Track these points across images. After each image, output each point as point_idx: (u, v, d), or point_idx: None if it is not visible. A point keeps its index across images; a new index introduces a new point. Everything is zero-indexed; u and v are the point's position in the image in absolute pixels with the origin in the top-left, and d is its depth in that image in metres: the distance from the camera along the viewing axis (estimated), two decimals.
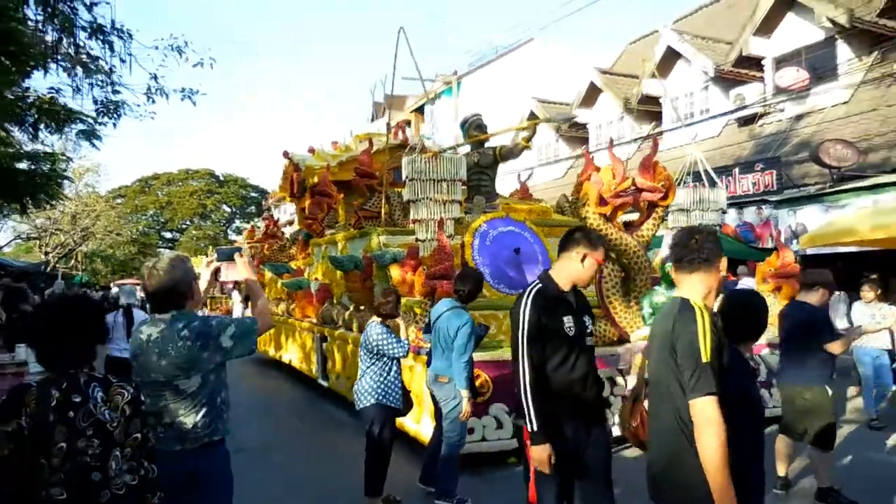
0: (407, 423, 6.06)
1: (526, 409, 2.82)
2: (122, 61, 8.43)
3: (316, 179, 11.08)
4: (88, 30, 8.12)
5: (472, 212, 6.78)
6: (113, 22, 8.22)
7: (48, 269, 23.54)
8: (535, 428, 2.81)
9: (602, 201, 6.11)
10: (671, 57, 18.88)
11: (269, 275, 13.14)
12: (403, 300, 6.91)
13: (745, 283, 8.75)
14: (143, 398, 2.25)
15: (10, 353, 6.13)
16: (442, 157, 6.50)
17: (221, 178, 55.55)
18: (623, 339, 6.53)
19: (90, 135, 9.82)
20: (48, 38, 8.33)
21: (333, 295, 8.96)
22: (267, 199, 54.15)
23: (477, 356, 5.85)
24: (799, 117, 15.45)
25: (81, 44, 8.11)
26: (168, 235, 56.51)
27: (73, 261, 29.18)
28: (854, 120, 13.90)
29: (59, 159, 9.04)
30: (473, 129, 6.92)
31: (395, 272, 7.13)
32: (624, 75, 21.57)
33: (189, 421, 2.65)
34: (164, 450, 2.62)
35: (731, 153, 16.39)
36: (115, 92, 9.42)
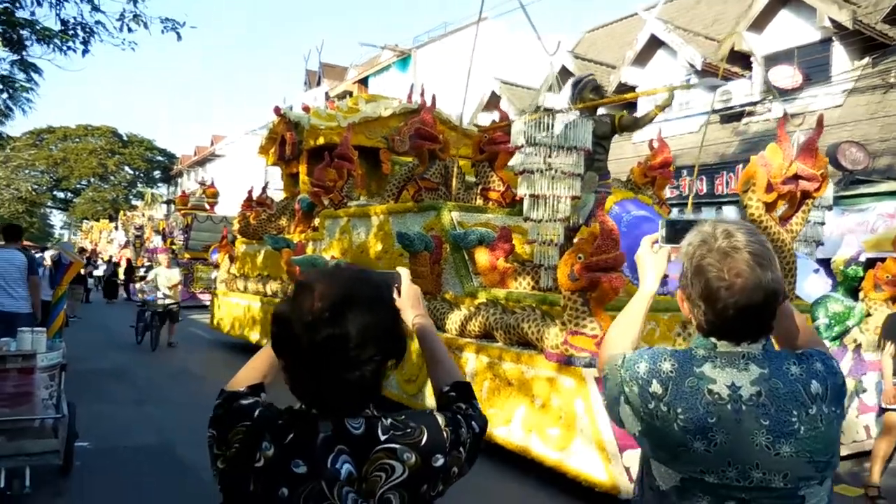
0: (545, 451, 4.86)
1: None
2: None
3: (321, 141, 9.53)
4: None
5: (583, 189, 5.64)
6: None
7: None
8: None
9: (769, 187, 5.13)
10: (651, 46, 18.42)
11: (242, 248, 11.41)
12: (495, 290, 5.68)
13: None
14: (445, 467, 1.20)
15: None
16: (565, 121, 5.29)
17: (125, 138, 50.95)
18: None
19: (29, 66, 7.90)
20: None
21: None
22: (177, 164, 50.44)
23: None
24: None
25: None
26: (61, 195, 51.47)
27: None
28: (850, 124, 13.81)
29: (22, 87, 7.10)
30: (589, 91, 5.75)
31: (482, 256, 5.89)
32: (597, 62, 20.94)
33: None
34: None
35: (713, 150, 16.05)
36: (96, 9, 7.56)
